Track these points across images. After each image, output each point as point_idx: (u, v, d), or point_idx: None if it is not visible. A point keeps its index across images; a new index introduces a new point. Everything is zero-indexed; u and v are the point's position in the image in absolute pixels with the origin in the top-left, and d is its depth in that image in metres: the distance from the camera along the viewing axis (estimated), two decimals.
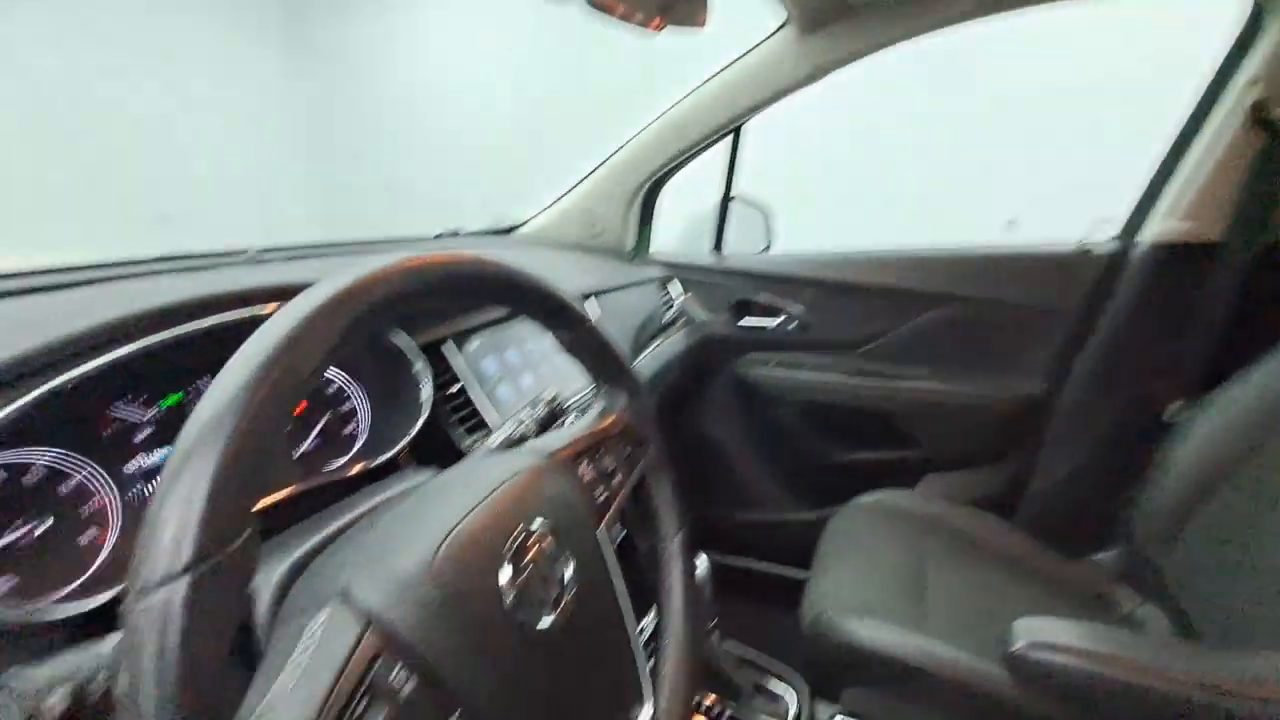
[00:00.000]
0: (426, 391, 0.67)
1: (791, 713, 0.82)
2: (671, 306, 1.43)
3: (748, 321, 1.49)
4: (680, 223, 1.70)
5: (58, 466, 0.47)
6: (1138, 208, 1.25)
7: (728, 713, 0.82)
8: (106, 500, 0.49)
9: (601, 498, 0.51)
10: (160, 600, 0.24)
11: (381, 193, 4.77)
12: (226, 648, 0.25)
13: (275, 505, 0.56)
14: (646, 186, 1.44)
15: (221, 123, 4.39)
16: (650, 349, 1.28)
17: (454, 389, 0.75)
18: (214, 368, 0.58)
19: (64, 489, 0.47)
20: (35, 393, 0.41)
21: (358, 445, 0.67)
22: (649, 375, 1.23)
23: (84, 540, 0.47)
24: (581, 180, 1.49)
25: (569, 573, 0.44)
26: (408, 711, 0.32)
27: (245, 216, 4.36)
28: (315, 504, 0.54)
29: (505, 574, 0.39)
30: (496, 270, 0.45)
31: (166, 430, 0.53)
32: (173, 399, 0.54)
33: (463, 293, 0.42)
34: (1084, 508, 1.29)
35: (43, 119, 3.50)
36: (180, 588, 0.24)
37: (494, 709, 0.36)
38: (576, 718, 0.42)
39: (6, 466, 0.45)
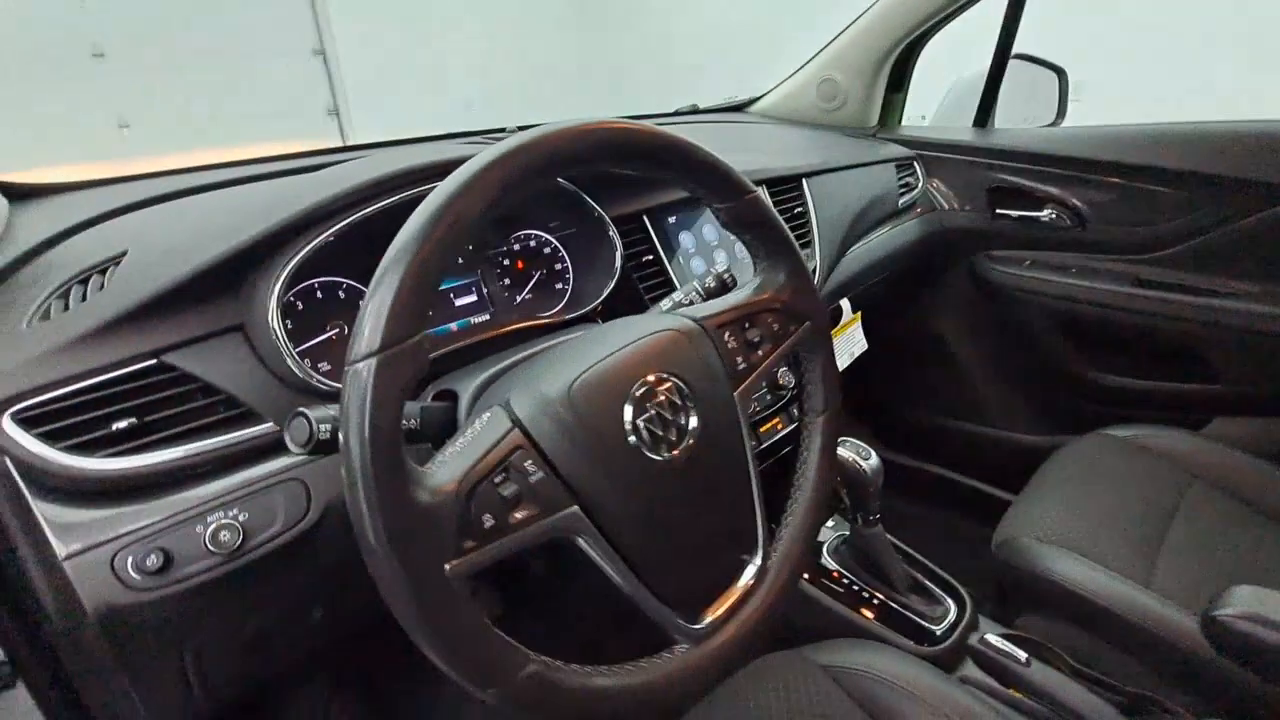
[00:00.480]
0: (619, 257, 0.75)
1: (948, 620, 0.81)
2: (910, 190, 1.29)
3: (1007, 211, 1.29)
4: (942, 91, 1.48)
5: (357, 286, 0.66)
6: None
7: (880, 599, 0.83)
8: None
9: (742, 365, 0.54)
10: (359, 370, 0.35)
11: (656, 76, 4.91)
12: (400, 411, 0.36)
13: (497, 337, 0.70)
14: (898, 50, 1.27)
15: (512, 24, 4.84)
16: (875, 235, 1.19)
17: (649, 257, 0.81)
18: None
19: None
20: (336, 226, 0.57)
21: (564, 300, 0.78)
22: (869, 262, 1.16)
23: None
24: (826, 46, 1.37)
25: (692, 423, 0.49)
26: (533, 489, 0.41)
27: (534, 105, 4.87)
28: (524, 339, 0.67)
29: (628, 411, 0.46)
30: (653, 138, 0.48)
31: None
32: None
33: (617, 159, 0.47)
34: None
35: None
36: (371, 364, 0.35)
37: (606, 509, 0.44)
38: (682, 543, 0.49)
39: (324, 285, 0.64)
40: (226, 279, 0.55)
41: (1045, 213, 1.24)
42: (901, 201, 1.25)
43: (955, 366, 1.43)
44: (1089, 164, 1.18)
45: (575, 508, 0.43)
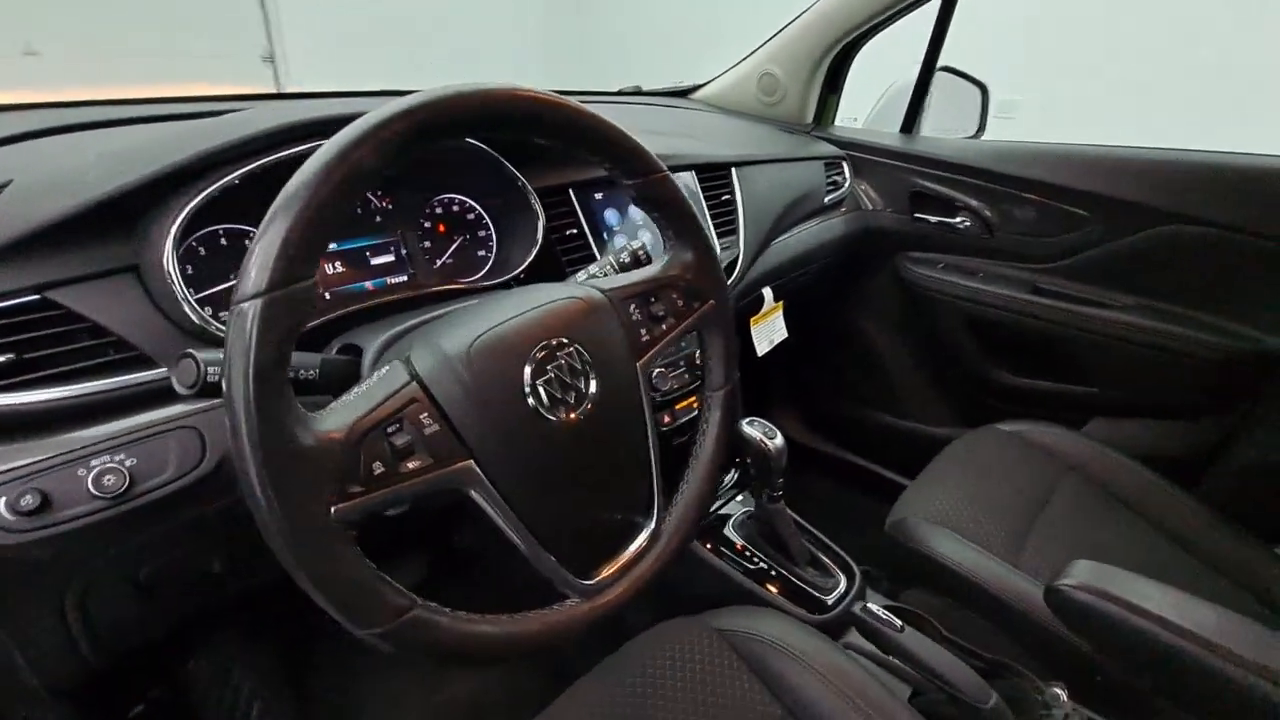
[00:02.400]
0: (541, 227, 0.76)
1: (838, 591, 0.87)
2: (838, 188, 1.34)
3: (925, 215, 1.36)
4: (878, 95, 1.54)
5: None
6: None
7: (777, 571, 0.88)
8: None
9: (645, 338, 0.56)
10: (244, 310, 0.35)
11: (627, 55, 4.84)
12: (285, 353, 0.37)
13: (414, 299, 0.70)
14: (835, 52, 1.32)
15: None
16: (801, 228, 1.24)
17: (573, 231, 0.82)
18: None
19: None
20: (238, 172, 0.56)
21: (487, 266, 0.79)
22: (794, 254, 1.21)
23: None
24: (768, 40, 1.40)
25: (591, 388, 0.51)
26: (427, 441, 0.43)
27: (489, 74, 4.75)
28: (442, 302, 0.67)
29: (527, 372, 0.48)
30: (566, 111, 0.49)
31: None
32: None
33: (527, 128, 0.48)
34: None
35: None
36: (257, 304, 0.35)
37: (501, 464, 0.46)
38: (577, 502, 0.51)
39: (229, 232, 0.62)
40: (119, 217, 0.53)
41: (959, 219, 1.32)
42: (828, 199, 1.30)
43: (876, 360, 1.51)
44: (999, 177, 1.26)
45: (470, 461, 0.45)
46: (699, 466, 0.60)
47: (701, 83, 1.55)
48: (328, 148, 0.38)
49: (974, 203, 1.29)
